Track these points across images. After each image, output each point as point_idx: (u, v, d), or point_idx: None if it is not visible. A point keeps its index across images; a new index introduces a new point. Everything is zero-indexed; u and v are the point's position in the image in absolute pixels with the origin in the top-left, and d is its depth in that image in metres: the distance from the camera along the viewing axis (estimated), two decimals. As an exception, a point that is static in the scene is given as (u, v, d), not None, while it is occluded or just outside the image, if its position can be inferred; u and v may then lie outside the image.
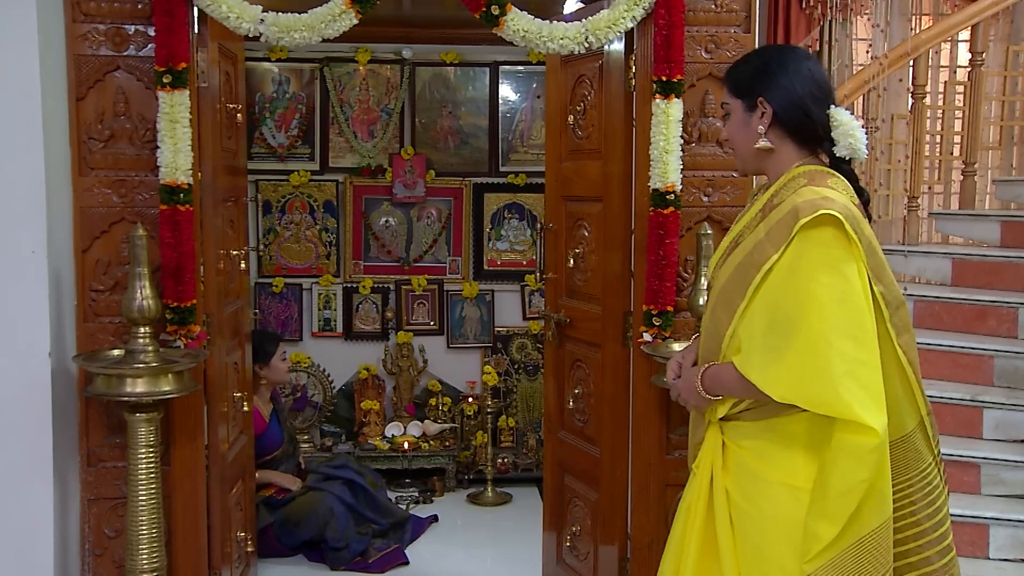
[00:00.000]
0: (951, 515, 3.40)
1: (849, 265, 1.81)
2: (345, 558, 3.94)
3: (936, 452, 1.97)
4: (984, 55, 4.59)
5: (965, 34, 4.68)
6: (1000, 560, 3.41)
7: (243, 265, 3.34)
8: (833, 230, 1.81)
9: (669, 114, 2.74)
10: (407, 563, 4.01)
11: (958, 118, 4.75)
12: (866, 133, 2.07)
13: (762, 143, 1.98)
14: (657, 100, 2.74)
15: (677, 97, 2.74)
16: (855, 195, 1.94)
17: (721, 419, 1.99)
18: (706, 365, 1.99)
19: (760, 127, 1.97)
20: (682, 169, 2.77)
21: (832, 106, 1.96)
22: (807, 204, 1.83)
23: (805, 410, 1.82)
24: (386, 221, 5.25)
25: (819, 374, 1.78)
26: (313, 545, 4.01)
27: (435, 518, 4.48)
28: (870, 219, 1.98)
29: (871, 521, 1.79)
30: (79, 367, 2.67)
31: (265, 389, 4.20)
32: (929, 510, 1.94)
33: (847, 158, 1.95)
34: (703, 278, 2.62)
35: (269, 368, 4.18)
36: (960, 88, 4.72)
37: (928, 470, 1.94)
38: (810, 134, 1.96)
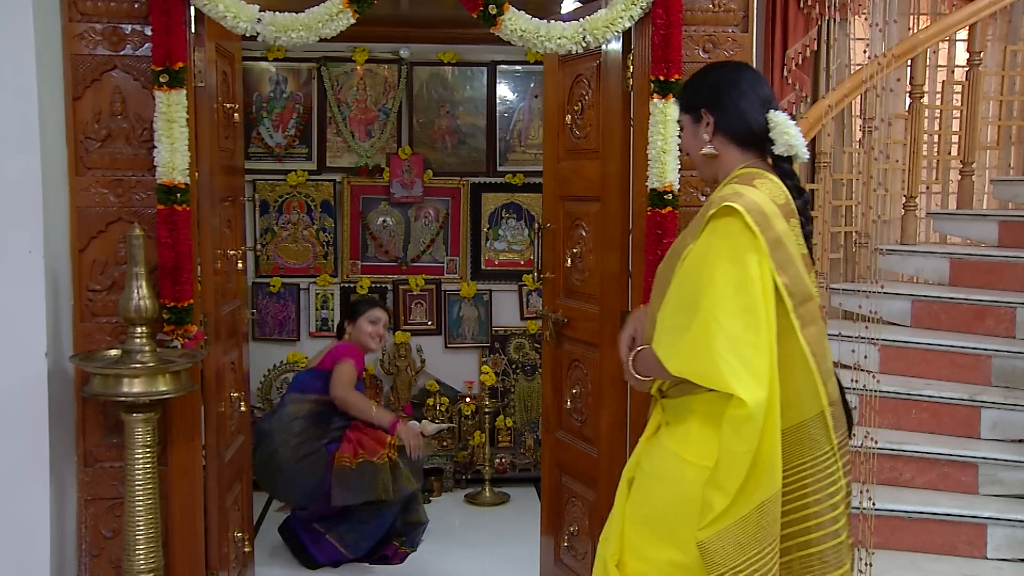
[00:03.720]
0: (949, 515, 3.41)
1: (749, 255, 1.96)
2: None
3: (835, 443, 2.05)
4: (982, 55, 4.59)
5: (963, 34, 4.68)
6: (998, 560, 3.41)
7: (240, 265, 3.34)
8: (736, 223, 1.97)
9: (667, 114, 2.74)
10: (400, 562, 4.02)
11: (956, 118, 4.75)
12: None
13: (707, 149, 2.18)
14: (655, 100, 2.74)
15: (675, 96, 2.74)
16: (788, 193, 2.10)
17: (663, 398, 2.15)
18: (639, 348, 2.14)
19: (705, 135, 2.17)
20: (680, 169, 2.77)
21: (771, 110, 2.14)
22: (719, 199, 2.02)
23: (711, 389, 1.96)
24: (384, 221, 5.24)
25: (705, 349, 1.94)
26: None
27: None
28: (808, 217, 2.15)
29: (759, 494, 1.94)
30: (76, 367, 2.67)
31: (359, 348, 4.21)
32: (824, 497, 2.04)
33: (787, 157, 2.13)
34: (701, 278, 2.61)
35: (354, 326, 4.24)
36: (958, 88, 4.72)
37: (825, 459, 2.04)
38: (750, 138, 2.14)
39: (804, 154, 2.16)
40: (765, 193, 2.05)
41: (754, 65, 2.87)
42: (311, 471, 3.97)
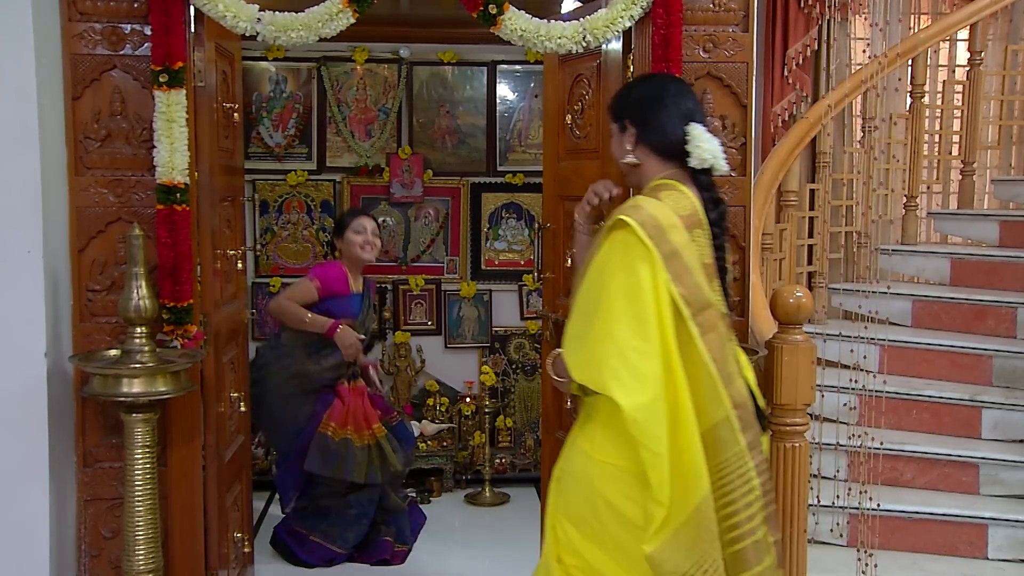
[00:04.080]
0: (950, 516, 3.41)
1: (641, 266, 2.08)
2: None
3: (743, 445, 2.13)
4: (983, 54, 4.59)
5: (964, 33, 4.68)
6: (999, 560, 3.41)
7: (240, 265, 3.33)
8: (630, 235, 2.09)
9: (667, 113, 2.73)
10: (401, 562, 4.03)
11: (957, 117, 4.75)
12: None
13: (628, 159, 2.31)
14: (655, 99, 2.73)
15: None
16: (697, 205, 2.21)
17: (585, 396, 2.24)
18: (557, 351, 2.25)
19: (627, 145, 2.31)
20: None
21: (692, 123, 2.25)
22: (619, 211, 2.13)
23: None
24: (384, 221, 5.24)
25: (596, 355, 2.08)
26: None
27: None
28: (722, 228, 2.25)
29: (692, 499, 2.05)
30: (75, 367, 2.66)
31: (350, 264, 4.13)
32: (738, 496, 2.13)
33: (705, 169, 2.24)
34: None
35: (343, 240, 4.14)
36: (959, 87, 4.72)
37: (736, 461, 2.13)
38: (669, 150, 2.26)
39: (722, 167, 2.27)
40: (668, 205, 2.16)
41: (754, 64, 2.87)
42: (296, 411, 3.96)
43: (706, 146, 2.24)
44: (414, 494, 4.65)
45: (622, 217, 2.11)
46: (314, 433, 3.96)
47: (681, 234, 2.13)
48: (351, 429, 4.00)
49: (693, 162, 2.23)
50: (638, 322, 2.06)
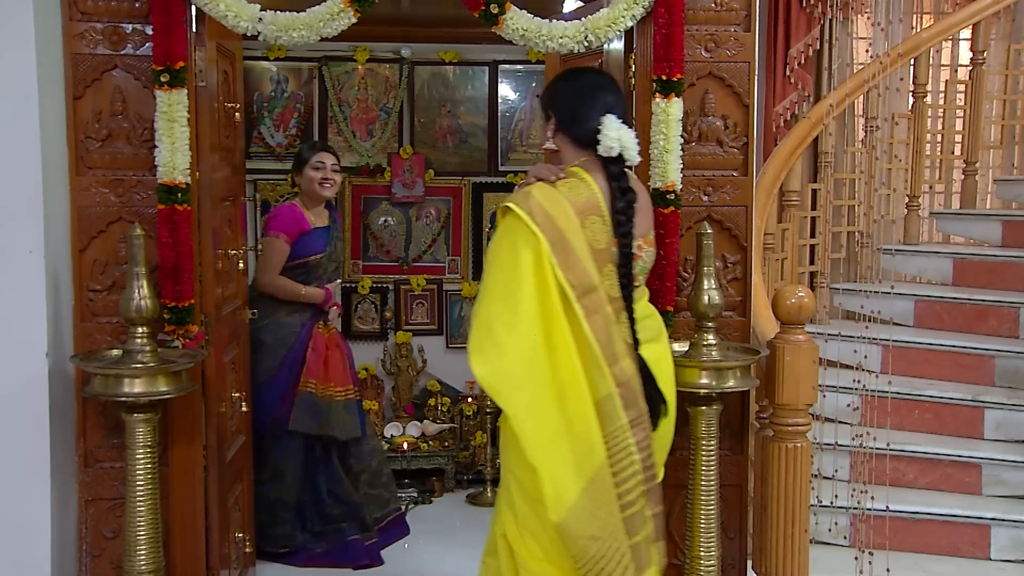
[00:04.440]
0: (952, 516, 3.40)
1: (523, 249, 2.26)
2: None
3: (625, 421, 2.28)
4: (985, 54, 4.58)
5: (966, 33, 4.67)
6: (1001, 561, 3.41)
7: (241, 265, 3.33)
8: (516, 221, 2.28)
9: (669, 113, 2.73)
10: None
11: (959, 117, 4.74)
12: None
13: (547, 145, 2.53)
14: (657, 99, 2.73)
15: (677, 96, 2.73)
16: (597, 192, 2.35)
17: None
18: None
19: (548, 133, 2.52)
20: (682, 168, 2.76)
21: (608, 115, 2.38)
22: (510, 198, 2.34)
23: None
24: (385, 221, 5.23)
25: (471, 332, 2.30)
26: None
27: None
28: (628, 216, 2.36)
29: (588, 467, 2.22)
30: (77, 367, 2.66)
31: (310, 200, 4.03)
32: (620, 469, 2.28)
33: (615, 158, 2.38)
34: (704, 278, 2.61)
35: (301, 177, 4.01)
36: (961, 87, 4.71)
37: (619, 435, 2.28)
38: (584, 139, 2.41)
39: (632, 157, 2.40)
40: (562, 193, 2.33)
41: (756, 64, 2.87)
42: (256, 365, 3.83)
43: (614, 135, 2.36)
44: (402, 509, 4.59)
45: (509, 205, 2.30)
46: (266, 395, 3.87)
47: (571, 221, 2.29)
48: (333, 385, 3.96)
49: (601, 150, 2.38)
50: (510, 297, 2.25)
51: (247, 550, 3.34)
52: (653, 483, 2.35)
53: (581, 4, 3.36)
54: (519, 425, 2.22)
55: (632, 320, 2.37)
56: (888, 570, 2.97)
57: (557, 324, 2.25)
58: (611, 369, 2.27)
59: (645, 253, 2.49)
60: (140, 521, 2.51)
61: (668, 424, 2.48)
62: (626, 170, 2.42)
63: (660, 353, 2.50)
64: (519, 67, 5.25)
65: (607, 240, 2.34)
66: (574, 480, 2.21)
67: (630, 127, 2.47)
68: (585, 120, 2.42)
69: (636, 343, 2.37)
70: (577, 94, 2.47)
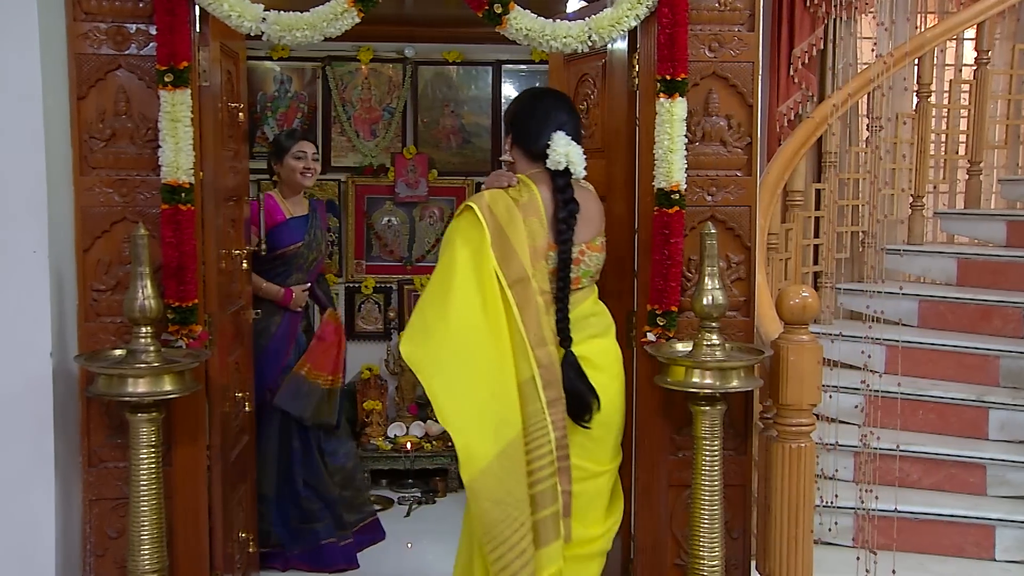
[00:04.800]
0: (956, 517, 3.39)
1: (463, 243, 2.56)
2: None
3: (544, 402, 2.51)
4: (990, 53, 4.58)
5: (971, 32, 4.66)
6: (1006, 562, 3.40)
7: (245, 265, 3.33)
8: (468, 215, 2.59)
9: (673, 113, 2.72)
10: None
11: (964, 117, 4.73)
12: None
13: (504, 157, 2.81)
14: (661, 99, 2.72)
15: (681, 96, 2.73)
16: (539, 198, 2.62)
17: None
18: None
19: (506, 146, 2.81)
20: (686, 168, 2.76)
21: (558, 132, 2.67)
22: (467, 200, 2.66)
23: None
24: (388, 221, 5.24)
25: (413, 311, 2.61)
26: None
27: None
28: (568, 226, 2.61)
29: (503, 438, 2.45)
30: (80, 367, 2.66)
31: (289, 189, 4.01)
32: (536, 446, 2.51)
33: (562, 172, 2.65)
34: (707, 278, 2.61)
35: (282, 166, 3.98)
36: (966, 87, 4.70)
37: (536, 413, 2.51)
38: (535, 153, 2.70)
39: (578, 172, 2.67)
40: (512, 195, 2.63)
41: (760, 64, 2.86)
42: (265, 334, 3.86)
43: (562, 151, 2.64)
44: (379, 507, 4.58)
45: (467, 203, 2.63)
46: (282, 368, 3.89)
47: (514, 220, 2.58)
48: (324, 373, 3.97)
49: (549, 164, 2.66)
50: (444, 284, 2.55)
51: (251, 550, 3.35)
52: (566, 462, 2.55)
53: (585, 4, 3.36)
54: (435, 400, 2.49)
55: (564, 315, 2.60)
56: (894, 572, 2.97)
57: (492, 310, 2.52)
58: (535, 352, 2.53)
59: (588, 257, 2.70)
60: (144, 521, 2.51)
61: (611, 417, 2.69)
62: (573, 182, 2.68)
63: (604, 347, 2.72)
64: (523, 67, 5.25)
65: (544, 241, 2.61)
66: (490, 446, 2.44)
67: (579, 144, 2.71)
68: (537, 137, 2.70)
69: (567, 338, 2.60)
70: (532, 113, 2.76)
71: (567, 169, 2.65)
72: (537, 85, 5.18)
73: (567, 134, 2.68)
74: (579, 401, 2.59)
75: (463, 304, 2.52)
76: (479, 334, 2.51)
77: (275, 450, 3.94)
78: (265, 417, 3.88)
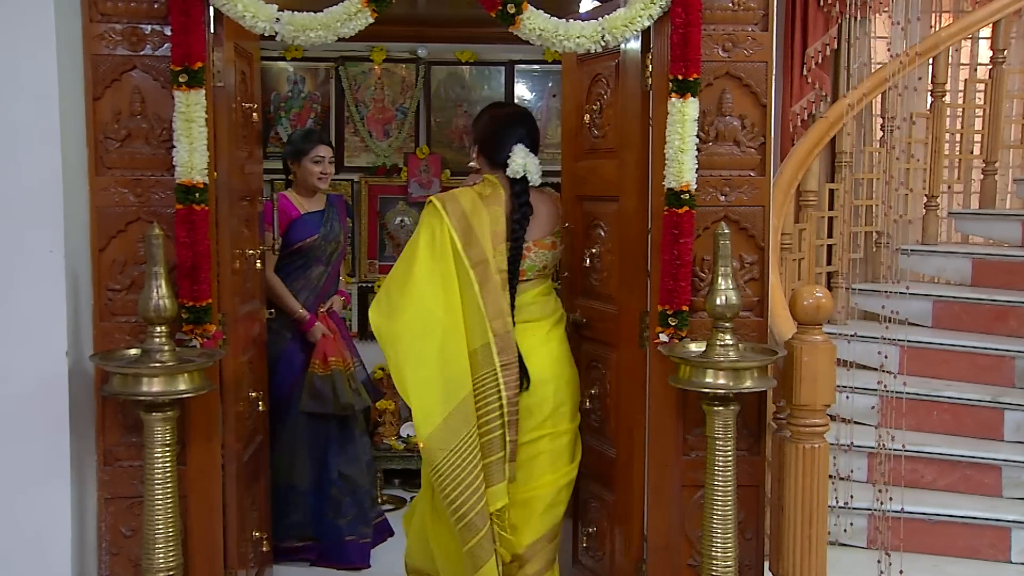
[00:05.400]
0: (972, 518, 3.38)
1: (428, 229, 2.94)
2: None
3: (497, 365, 2.88)
4: (1005, 52, 4.54)
5: (986, 31, 4.63)
6: (1023, 564, 3.37)
7: (259, 264, 3.34)
8: (432, 207, 2.97)
9: (685, 113, 2.72)
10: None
11: (979, 116, 4.70)
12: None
13: (471, 164, 3.22)
14: (673, 99, 2.72)
15: (693, 96, 2.72)
16: (501, 195, 3.01)
17: None
18: None
19: (473, 154, 3.21)
20: (699, 168, 2.75)
21: (518, 145, 3.05)
22: (437, 196, 3.03)
23: None
24: (401, 220, 5.24)
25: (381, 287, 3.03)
26: None
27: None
28: (521, 227, 3.00)
29: (455, 398, 2.83)
30: (96, 366, 2.67)
31: (305, 190, 4.02)
32: (485, 403, 2.89)
33: (519, 179, 3.03)
34: (720, 278, 2.60)
35: (300, 166, 4.00)
36: (981, 86, 4.68)
37: (489, 375, 2.89)
38: (495, 161, 3.09)
39: (534, 180, 3.05)
40: (475, 190, 3.03)
41: (774, 64, 2.86)
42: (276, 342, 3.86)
43: (520, 161, 3.02)
44: (392, 507, 4.59)
45: (431, 199, 3.00)
46: (274, 376, 3.87)
47: (476, 208, 2.97)
48: (334, 358, 3.99)
49: (509, 172, 3.03)
50: (411, 261, 2.93)
51: (264, 549, 3.36)
52: (515, 417, 2.92)
53: (598, 4, 3.35)
54: (395, 369, 2.90)
55: (512, 299, 2.98)
56: (901, 572, 2.95)
57: (451, 289, 2.89)
58: (492, 323, 2.90)
59: (534, 254, 3.07)
60: (158, 519, 2.52)
61: (545, 388, 3.04)
62: (532, 188, 3.06)
63: (539, 333, 3.08)
64: (535, 67, 5.25)
65: (505, 228, 2.98)
66: (441, 407, 2.82)
67: (536, 155, 3.09)
68: (500, 149, 3.07)
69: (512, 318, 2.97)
70: (494, 128, 3.14)
71: (524, 177, 3.03)
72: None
73: (525, 146, 3.06)
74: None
75: (422, 284, 2.90)
76: (436, 310, 2.88)
77: (308, 441, 3.97)
78: (294, 411, 3.92)
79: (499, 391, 2.89)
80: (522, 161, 3.03)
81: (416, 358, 2.87)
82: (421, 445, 2.87)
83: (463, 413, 2.83)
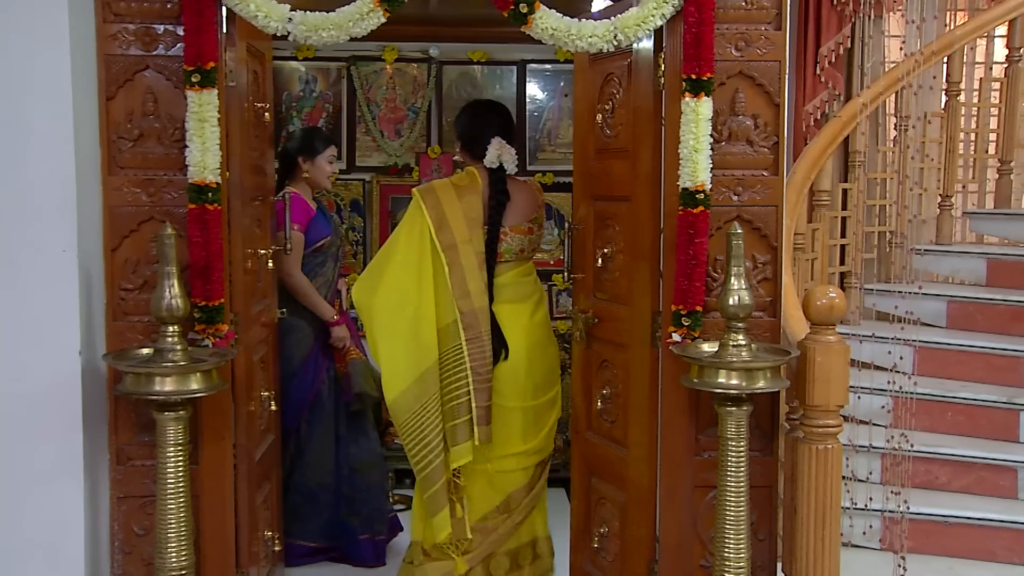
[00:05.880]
0: (987, 520, 3.35)
1: (412, 216, 3.38)
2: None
3: (463, 339, 3.29)
4: (1021, 51, 4.51)
5: (1002, 29, 4.60)
6: (1038, 566, 3.35)
7: (270, 264, 3.35)
8: (414, 199, 3.40)
9: (699, 112, 2.71)
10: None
11: (994, 115, 4.67)
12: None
13: (456, 158, 3.69)
14: (686, 98, 2.70)
15: (707, 95, 2.71)
16: (480, 182, 3.44)
17: None
18: None
19: (456, 148, 3.66)
20: (712, 168, 2.74)
21: (496, 138, 3.47)
22: (419, 187, 3.47)
23: None
24: (413, 220, 5.23)
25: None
26: None
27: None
28: (497, 214, 3.42)
29: (421, 366, 3.27)
30: (108, 365, 2.68)
31: (306, 184, 4.03)
32: (451, 373, 3.32)
33: (497, 168, 3.46)
34: (733, 278, 2.59)
35: (313, 165, 4.00)
36: (996, 85, 4.64)
37: (456, 349, 3.31)
38: (476, 153, 3.52)
39: (510, 168, 3.47)
40: (451, 181, 3.47)
41: (787, 63, 2.84)
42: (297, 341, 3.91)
43: (495, 152, 3.43)
44: (403, 507, 4.59)
45: (413, 190, 3.43)
46: (301, 378, 3.92)
47: (450, 198, 3.37)
48: (353, 353, 4.07)
49: (486, 163, 3.45)
50: (387, 249, 3.40)
51: (275, 548, 3.36)
52: (485, 385, 3.30)
53: (610, 3, 3.35)
54: (371, 340, 3.36)
55: (489, 279, 3.37)
56: (904, 571, 2.93)
57: (425, 270, 3.29)
58: (459, 302, 3.29)
59: (510, 238, 3.46)
60: (171, 519, 2.53)
61: (518, 363, 3.44)
62: (511, 178, 3.48)
63: (514, 311, 3.47)
64: (547, 66, 5.24)
65: (480, 215, 3.39)
66: (407, 375, 3.25)
67: (512, 145, 3.51)
68: (478, 141, 3.50)
69: (490, 297, 3.35)
70: (473, 124, 3.56)
71: (501, 166, 3.45)
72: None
73: (502, 138, 3.48)
74: (495, 344, 3.36)
75: (399, 266, 3.32)
76: (409, 289, 3.29)
77: (331, 440, 4.01)
78: (315, 414, 3.96)
79: (464, 363, 3.28)
80: (496, 152, 3.44)
81: (389, 330, 3.29)
82: (388, 406, 3.31)
83: (427, 381, 3.26)
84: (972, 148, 4.74)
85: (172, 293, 2.50)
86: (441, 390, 3.30)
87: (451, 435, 3.31)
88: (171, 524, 2.53)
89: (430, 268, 3.30)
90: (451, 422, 3.31)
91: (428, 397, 3.26)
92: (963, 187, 4.86)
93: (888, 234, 4.51)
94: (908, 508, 3.10)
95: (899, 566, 3.00)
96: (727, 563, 2.62)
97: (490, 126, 3.51)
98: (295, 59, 5.12)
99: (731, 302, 2.58)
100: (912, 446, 3.20)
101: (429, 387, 3.26)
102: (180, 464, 2.54)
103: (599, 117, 3.23)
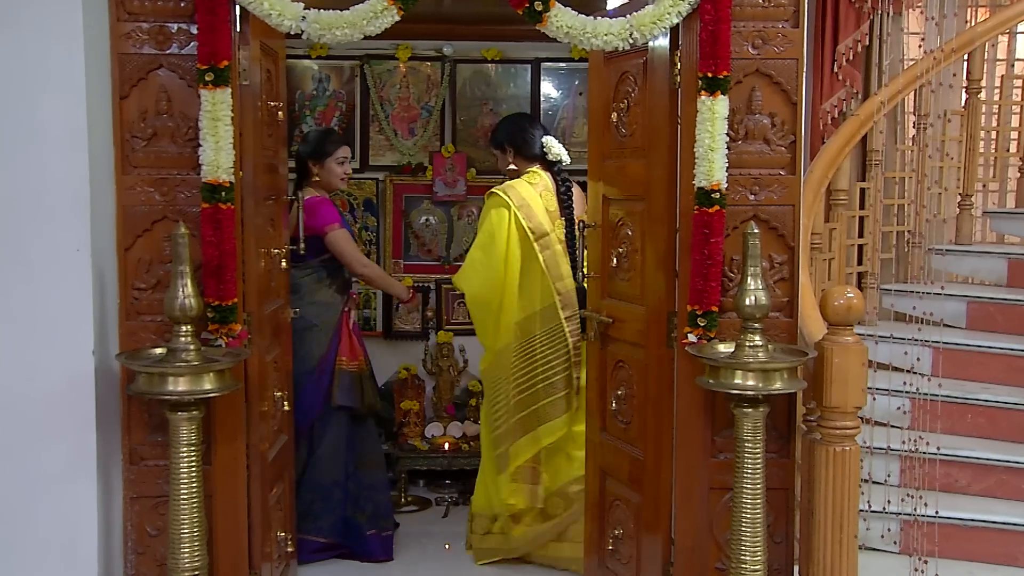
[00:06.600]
0: (1008, 524, 3.31)
1: (499, 213, 3.82)
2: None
3: (563, 318, 3.79)
4: (1043, 48, 4.45)
5: (1023, 26, 4.54)
6: (1059, 571, 3.29)
7: (284, 264, 3.34)
8: (495, 197, 3.86)
9: (715, 111, 2.68)
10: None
11: (1016, 113, 4.62)
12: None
13: (509, 168, 4.04)
14: (702, 97, 2.68)
15: (723, 94, 2.68)
16: (547, 180, 3.95)
17: None
18: None
19: (508, 158, 4.04)
20: (728, 167, 2.71)
21: (546, 136, 3.98)
22: (494, 189, 3.92)
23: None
24: (426, 220, 5.24)
25: (465, 261, 3.98)
26: None
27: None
28: (568, 197, 3.92)
29: (500, 343, 3.86)
30: (122, 365, 2.68)
31: (316, 188, 4.03)
32: (552, 351, 3.80)
33: (556, 161, 3.96)
34: (750, 278, 2.56)
35: (323, 168, 4.01)
36: (1018, 82, 4.59)
37: (556, 329, 3.80)
38: (532, 155, 3.98)
39: (565, 160, 3.98)
40: (525, 180, 3.92)
41: (804, 61, 2.81)
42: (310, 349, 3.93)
43: (556, 149, 3.94)
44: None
45: (493, 190, 3.88)
46: (319, 377, 3.95)
47: (531, 193, 3.86)
48: (360, 359, 4.08)
49: (550, 157, 3.95)
50: (487, 244, 3.82)
51: (288, 548, 3.36)
52: (579, 358, 3.72)
53: (626, 1, 3.32)
54: (474, 316, 3.99)
55: (574, 259, 3.83)
56: (935, 574, 2.89)
57: (513, 260, 3.78)
58: (556, 284, 3.78)
59: (579, 218, 3.77)
60: (184, 519, 2.52)
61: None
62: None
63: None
64: (562, 65, 5.22)
65: (555, 205, 3.88)
66: (494, 346, 3.88)
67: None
68: (533, 143, 3.97)
69: (583, 275, 3.65)
70: (525, 128, 4.01)
71: (557, 163, 3.94)
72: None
73: (549, 135, 3.98)
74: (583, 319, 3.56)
75: (501, 258, 3.78)
76: (497, 283, 3.78)
77: (344, 437, 4.03)
78: (330, 415, 3.98)
79: (565, 339, 3.75)
80: (557, 148, 3.93)
81: (482, 314, 3.89)
82: (482, 369, 4.05)
83: (501, 357, 3.85)
84: (993, 146, 4.68)
85: (185, 293, 2.50)
86: (536, 369, 3.77)
87: (545, 412, 3.76)
88: (184, 524, 2.52)
89: (519, 258, 3.79)
90: (547, 399, 3.76)
91: (502, 372, 3.83)
92: (983, 186, 4.80)
93: (906, 234, 4.46)
94: (933, 511, 3.05)
95: (917, 570, 2.96)
96: (743, 566, 2.59)
97: (535, 128, 4.02)
98: (308, 58, 5.12)
99: (747, 302, 2.55)
100: (934, 448, 3.16)
101: (504, 363, 3.83)
102: (193, 464, 2.53)
103: (614, 116, 3.20)
